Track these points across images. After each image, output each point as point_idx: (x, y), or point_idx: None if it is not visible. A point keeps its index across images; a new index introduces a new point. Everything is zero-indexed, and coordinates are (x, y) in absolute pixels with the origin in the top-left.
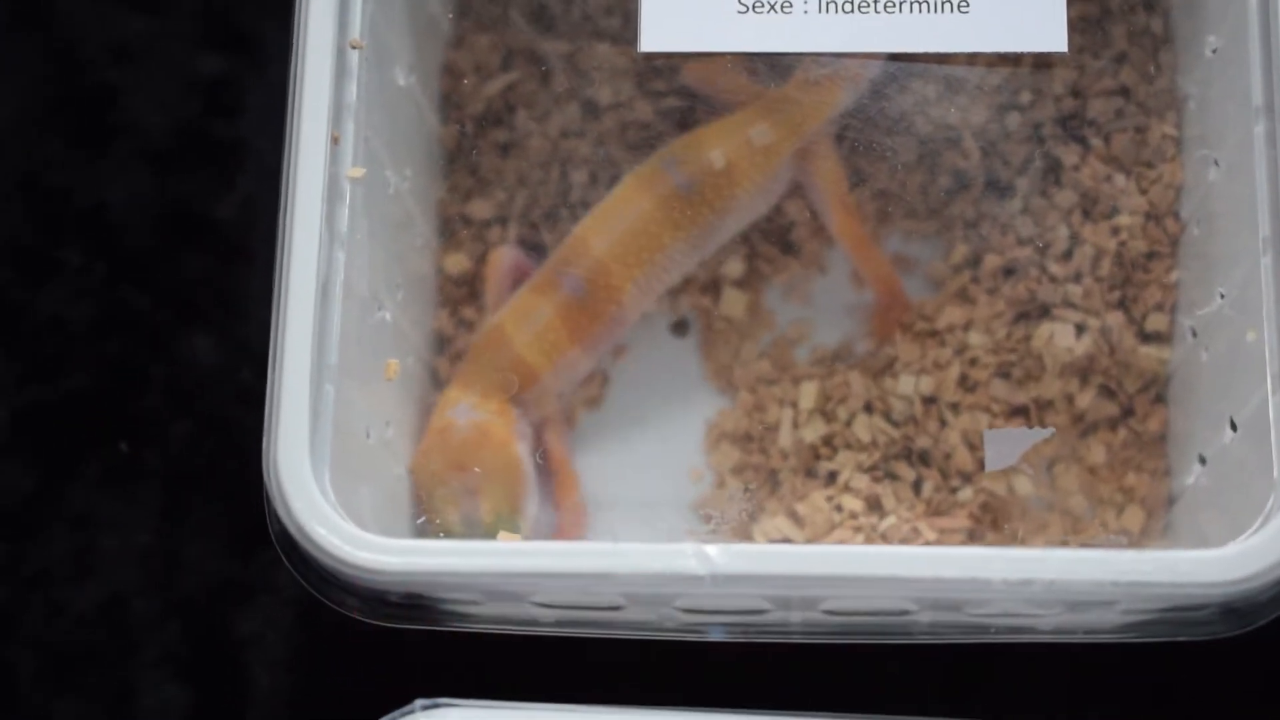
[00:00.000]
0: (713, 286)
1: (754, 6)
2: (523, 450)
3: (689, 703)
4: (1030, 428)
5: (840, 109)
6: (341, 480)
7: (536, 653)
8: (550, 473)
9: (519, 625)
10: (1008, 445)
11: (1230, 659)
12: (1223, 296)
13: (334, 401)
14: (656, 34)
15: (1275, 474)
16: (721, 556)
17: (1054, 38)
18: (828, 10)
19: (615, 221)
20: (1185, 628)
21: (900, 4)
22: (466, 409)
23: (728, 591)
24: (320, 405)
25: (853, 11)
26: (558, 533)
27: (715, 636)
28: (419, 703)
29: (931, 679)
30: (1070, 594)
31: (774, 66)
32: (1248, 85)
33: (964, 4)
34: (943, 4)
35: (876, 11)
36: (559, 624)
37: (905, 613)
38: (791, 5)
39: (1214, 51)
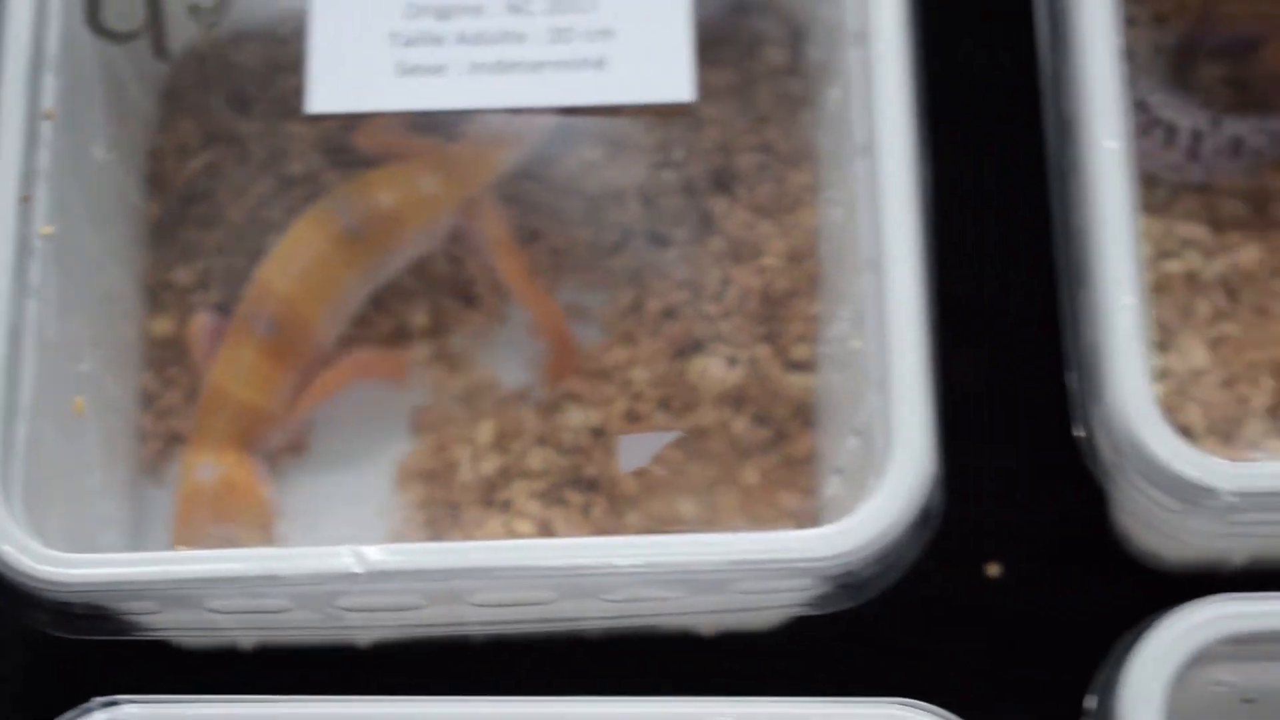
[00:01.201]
0: (402, 336)
1: (412, 69)
2: (267, 488)
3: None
4: (687, 455)
5: (505, 167)
6: (36, 505)
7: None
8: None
9: (203, 631)
10: (639, 448)
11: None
12: (845, 321)
13: (25, 439)
14: (322, 96)
15: (877, 465)
16: (377, 555)
17: (682, 89)
18: (478, 71)
19: (293, 261)
20: (809, 604)
21: (542, 64)
22: (207, 467)
23: (385, 588)
24: (11, 441)
25: (500, 72)
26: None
27: (381, 634)
28: (96, 700)
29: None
30: (690, 573)
31: (438, 125)
32: (853, 129)
33: (601, 62)
34: (581, 63)
35: (521, 71)
36: (240, 628)
37: (549, 602)
38: (446, 67)
39: (835, 104)
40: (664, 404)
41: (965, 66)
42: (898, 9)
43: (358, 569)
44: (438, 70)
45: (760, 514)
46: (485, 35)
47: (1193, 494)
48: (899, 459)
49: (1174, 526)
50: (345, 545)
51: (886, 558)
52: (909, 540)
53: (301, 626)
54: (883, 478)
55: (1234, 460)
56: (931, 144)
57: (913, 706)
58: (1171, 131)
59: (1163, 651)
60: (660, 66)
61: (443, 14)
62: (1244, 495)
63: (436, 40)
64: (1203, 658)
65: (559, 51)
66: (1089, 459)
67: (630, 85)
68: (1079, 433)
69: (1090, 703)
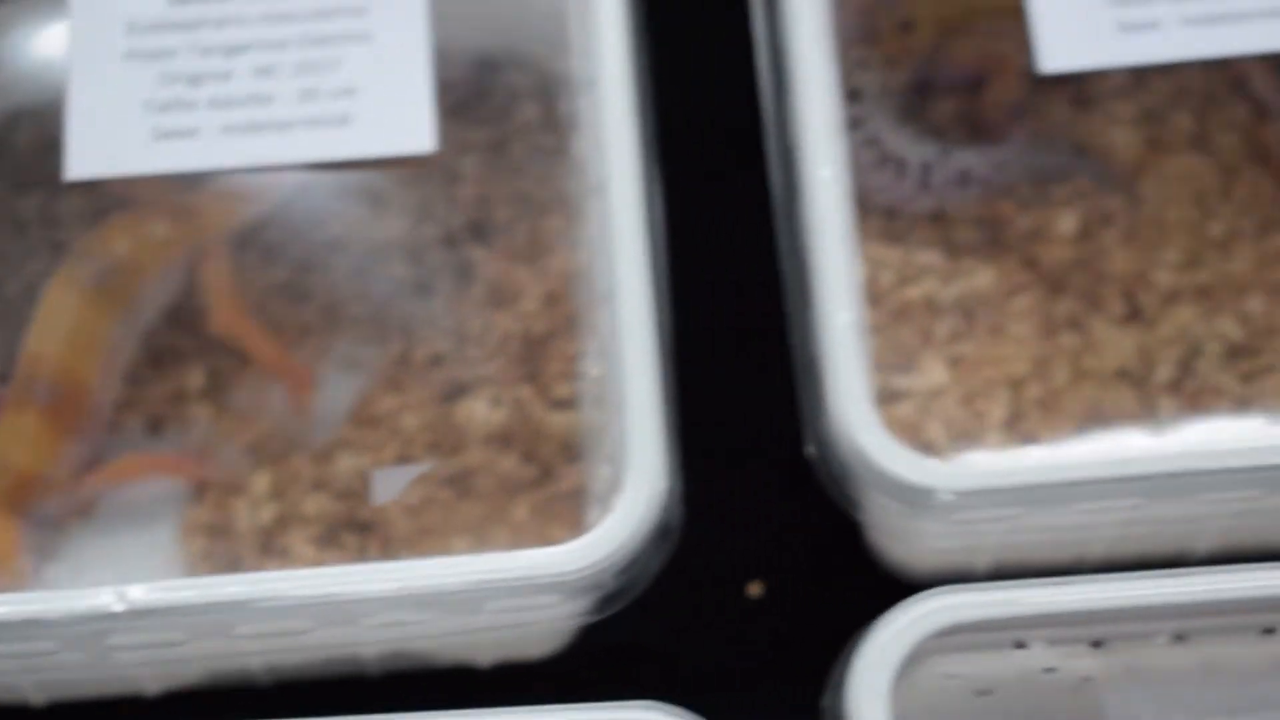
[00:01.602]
0: (178, 398)
1: (166, 134)
2: (24, 557)
3: None
4: (457, 495)
5: (241, 219)
6: None
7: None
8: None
9: None
10: (391, 481)
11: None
12: (594, 356)
13: None
14: (81, 162)
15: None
16: (139, 592)
17: (423, 141)
18: (229, 133)
19: (53, 325)
20: (564, 620)
21: (289, 123)
22: None
23: (149, 624)
24: None
25: (250, 132)
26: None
27: (166, 680)
28: None
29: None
30: (438, 594)
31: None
32: (588, 172)
33: (345, 119)
34: (326, 120)
35: (269, 131)
36: (15, 672)
37: (311, 630)
38: (198, 130)
39: (578, 151)
40: (434, 447)
41: (694, 106)
42: (622, 56)
43: (119, 607)
44: (191, 133)
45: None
46: (235, 99)
47: (913, 496)
48: (634, 475)
49: (910, 534)
50: (108, 586)
51: (629, 570)
52: (650, 553)
53: (77, 671)
54: (621, 494)
55: (948, 460)
56: (664, 180)
57: (658, 709)
58: (902, 165)
59: (885, 645)
60: (402, 121)
61: (194, 81)
62: (961, 494)
63: (189, 105)
64: (927, 650)
65: (306, 110)
66: (821, 474)
67: (374, 140)
68: (809, 450)
69: (825, 701)
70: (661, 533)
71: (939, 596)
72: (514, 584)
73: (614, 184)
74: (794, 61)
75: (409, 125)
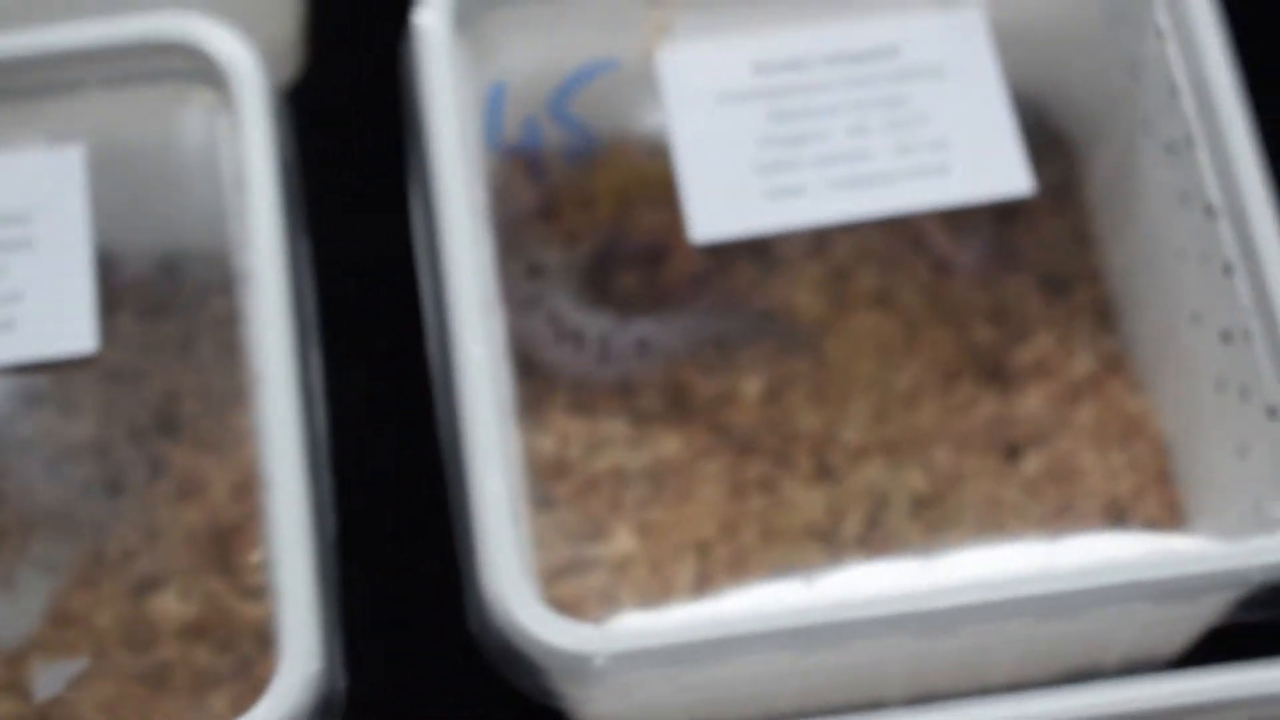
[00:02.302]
0: None
1: None
2: None
3: None
4: (151, 691)
5: None
6: None
7: None
8: None
9: None
10: (52, 675)
11: None
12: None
13: None
14: None
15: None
16: None
17: (84, 342)
18: None
19: None
20: None
21: None
22: None
23: None
24: None
25: None
26: None
27: None
28: None
29: None
30: None
31: None
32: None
33: (11, 323)
34: None
35: None
36: None
37: None
38: None
39: None
40: (127, 642)
41: (358, 294)
42: (276, 249)
43: None
44: None
45: None
46: None
47: (571, 663)
48: (289, 658)
49: (584, 702)
50: None
51: None
52: None
53: None
54: (277, 677)
55: (603, 626)
56: (326, 362)
57: None
58: (580, 338)
59: None
60: (63, 323)
61: None
62: (614, 657)
63: None
64: None
65: None
66: (484, 650)
67: (36, 343)
68: (473, 629)
69: None
70: (321, 714)
71: None
72: None
73: (269, 373)
74: (446, 241)
75: (71, 327)
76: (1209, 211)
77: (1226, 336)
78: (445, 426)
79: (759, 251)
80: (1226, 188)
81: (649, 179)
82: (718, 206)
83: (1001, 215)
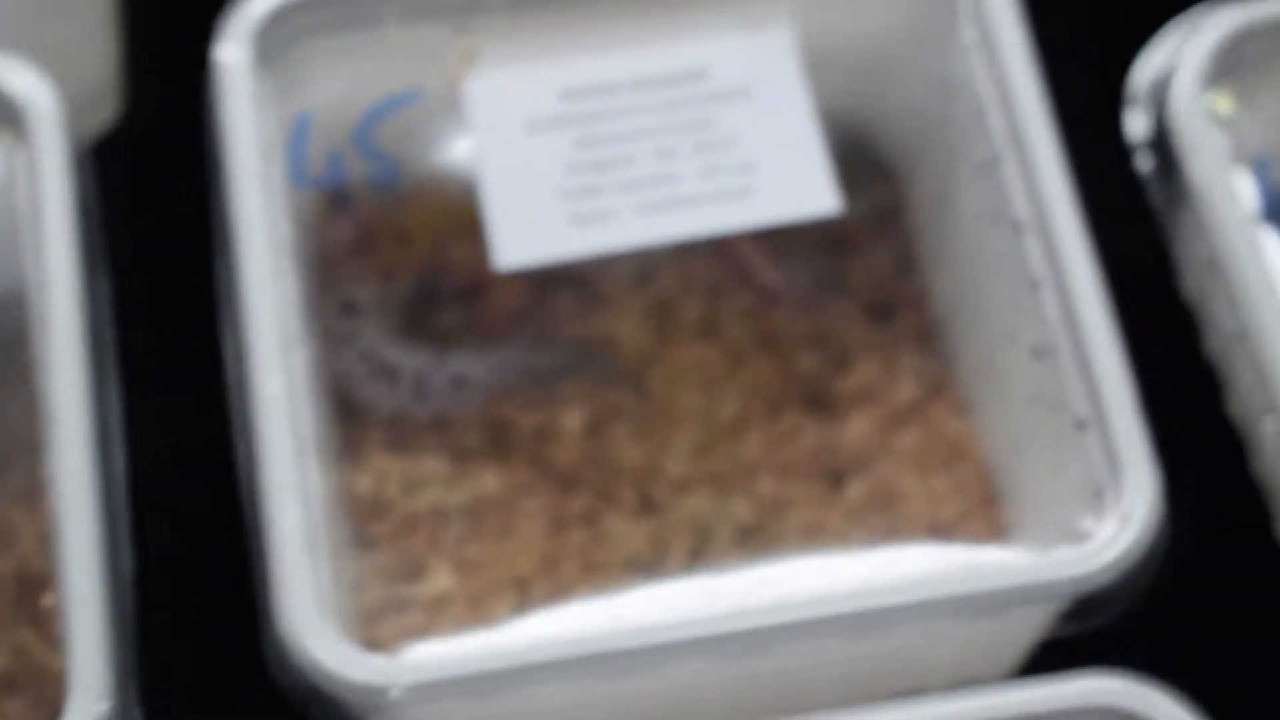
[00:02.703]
0: None
1: None
2: None
3: None
4: None
5: None
6: None
7: None
8: None
9: None
10: None
11: None
12: None
13: None
14: None
15: None
16: None
17: None
18: None
19: None
20: None
21: None
22: None
23: None
24: None
25: None
26: None
27: None
28: None
29: None
30: None
31: None
32: None
33: None
34: None
35: None
36: None
37: None
38: None
39: None
40: None
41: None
42: (71, 288)
43: None
44: None
45: None
46: None
47: (366, 696)
48: (76, 699)
49: None
50: None
51: None
52: None
53: None
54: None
55: (397, 657)
56: (131, 403)
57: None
58: (395, 375)
59: None
60: None
61: None
62: (409, 689)
63: None
64: None
65: None
66: (284, 688)
67: None
68: (272, 668)
69: None
70: None
71: None
72: None
73: (62, 416)
74: (244, 275)
75: None
76: (1017, 228)
77: (1037, 352)
78: (244, 464)
79: (581, 284)
80: (1033, 204)
81: (463, 212)
82: (523, 233)
83: (826, 243)
